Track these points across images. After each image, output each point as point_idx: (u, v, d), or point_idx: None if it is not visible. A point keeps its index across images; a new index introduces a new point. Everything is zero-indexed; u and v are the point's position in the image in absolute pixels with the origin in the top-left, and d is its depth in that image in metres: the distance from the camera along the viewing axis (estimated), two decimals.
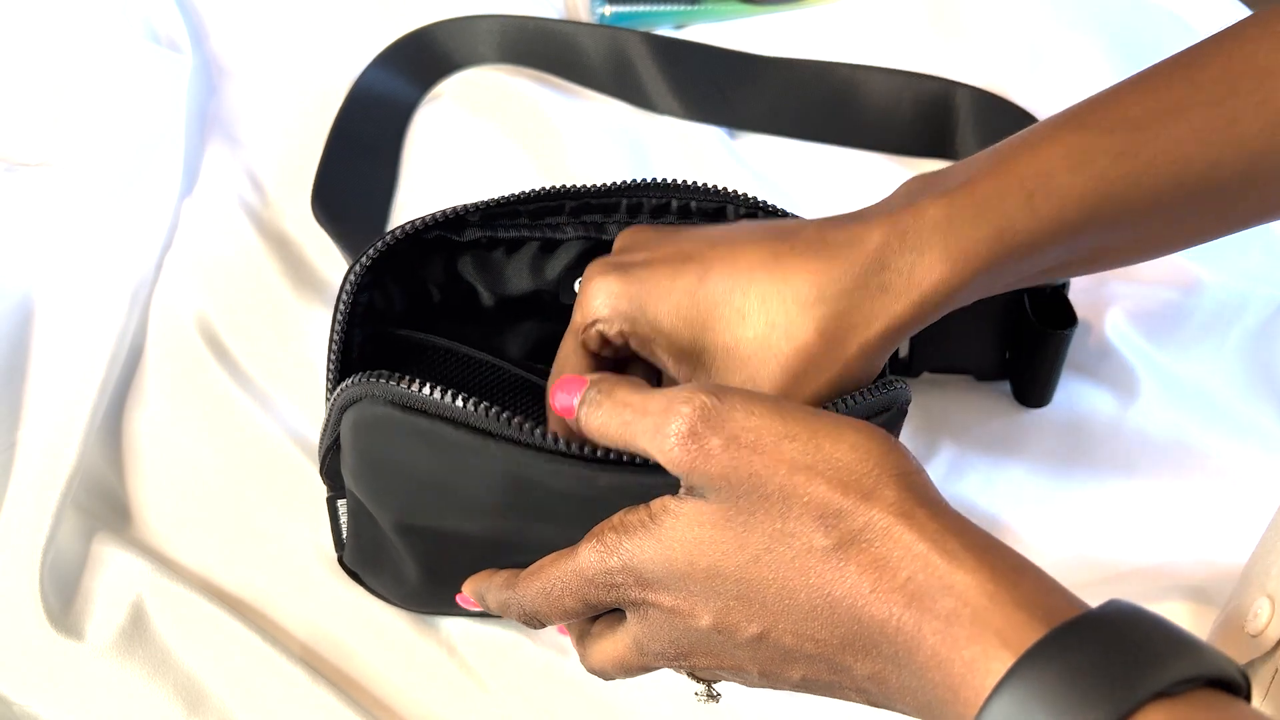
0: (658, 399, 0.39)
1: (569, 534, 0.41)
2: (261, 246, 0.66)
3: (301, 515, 0.58)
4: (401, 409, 0.43)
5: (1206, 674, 0.31)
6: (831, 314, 0.43)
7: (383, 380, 0.44)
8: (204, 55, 0.74)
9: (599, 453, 0.41)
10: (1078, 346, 0.61)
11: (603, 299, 0.45)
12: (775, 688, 0.40)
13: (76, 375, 0.60)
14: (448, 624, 0.56)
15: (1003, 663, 0.32)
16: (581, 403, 0.41)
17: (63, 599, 0.55)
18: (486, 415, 0.42)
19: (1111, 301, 0.63)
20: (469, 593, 0.47)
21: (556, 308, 0.53)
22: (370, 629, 0.56)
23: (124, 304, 0.62)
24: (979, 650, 0.33)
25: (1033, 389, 0.60)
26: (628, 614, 0.41)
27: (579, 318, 0.47)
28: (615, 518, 0.40)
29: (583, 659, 0.45)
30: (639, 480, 0.41)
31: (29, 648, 0.53)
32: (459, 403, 0.42)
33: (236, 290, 0.65)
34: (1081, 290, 0.64)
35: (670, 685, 0.54)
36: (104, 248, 0.64)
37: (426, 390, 0.43)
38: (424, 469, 0.45)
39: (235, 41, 0.74)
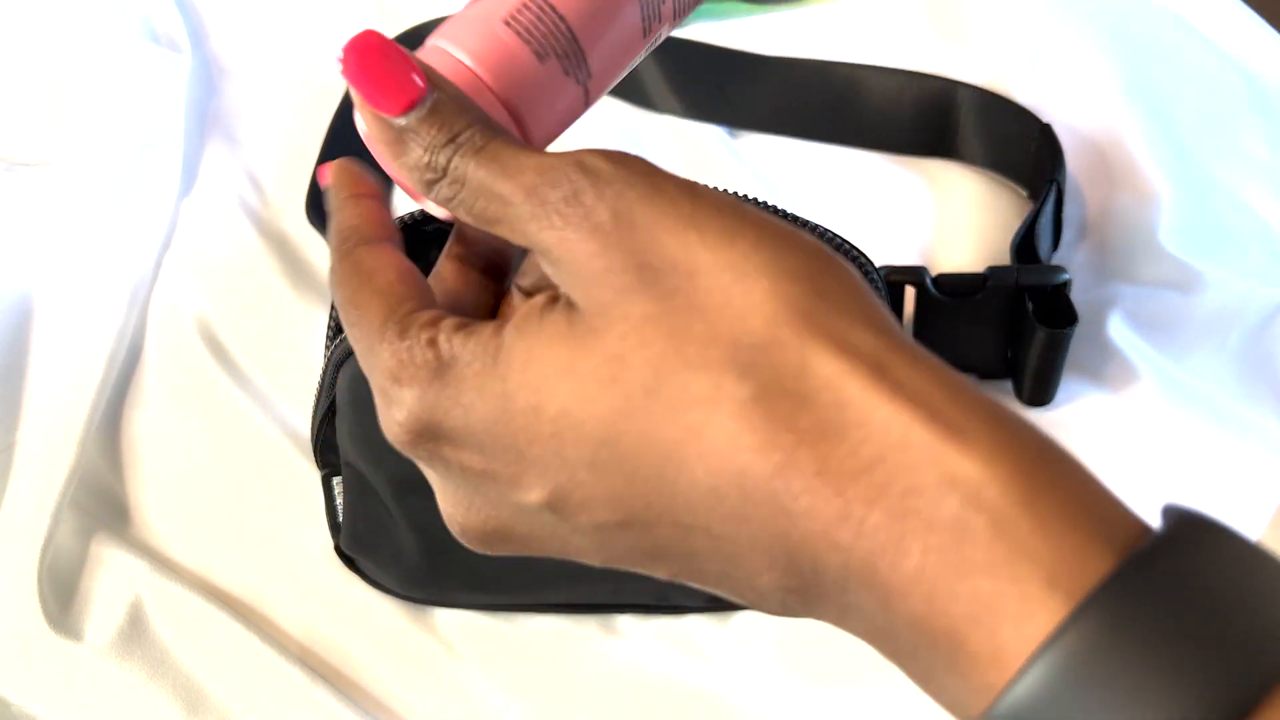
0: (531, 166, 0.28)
1: None
2: (261, 246, 0.66)
3: (301, 515, 0.58)
4: None
5: None
6: None
7: None
8: (203, 55, 0.74)
9: None
10: (1079, 346, 0.61)
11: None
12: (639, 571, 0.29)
13: (75, 375, 0.60)
14: (446, 622, 0.56)
15: (1049, 611, 0.21)
16: (428, 179, 0.29)
17: (61, 599, 0.55)
18: None
19: (1113, 301, 0.63)
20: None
21: None
22: (369, 628, 0.56)
23: (123, 303, 0.62)
24: (1007, 587, 0.21)
25: (1034, 388, 0.60)
26: (425, 464, 0.31)
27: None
28: (441, 344, 0.28)
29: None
30: None
31: (28, 649, 0.53)
32: None
33: (236, 290, 0.65)
34: (1083, 290, 0.64)
35: (673, 687, 0.54)
36: (103, 247, 0.64)
37: None
38: None
39: (235, 41, 0.74)
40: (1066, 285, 0.58)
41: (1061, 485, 0.23)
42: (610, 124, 0.72)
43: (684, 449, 0.25)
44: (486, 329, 0.28)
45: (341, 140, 0.69)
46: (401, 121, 0.28)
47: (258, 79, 0.73)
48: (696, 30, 0.76)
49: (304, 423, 0.61)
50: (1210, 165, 0.69)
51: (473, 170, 0.28)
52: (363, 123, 0.30)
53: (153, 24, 0.72)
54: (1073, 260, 0.66)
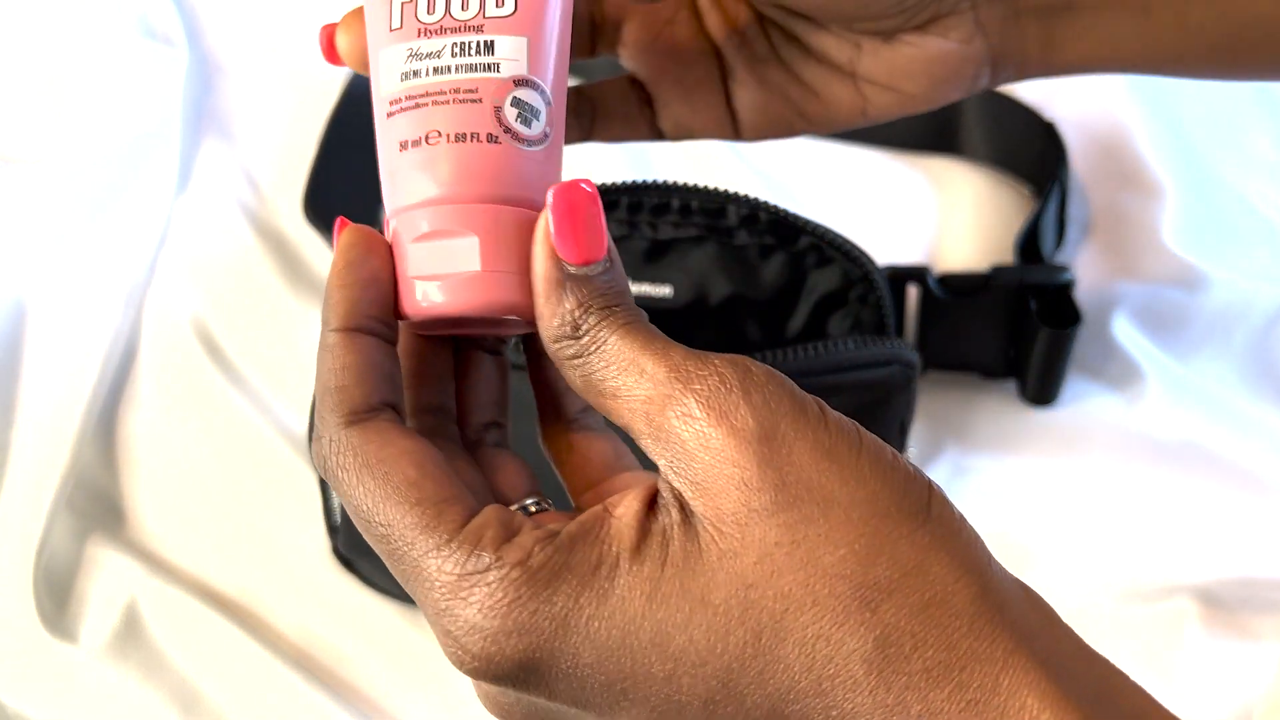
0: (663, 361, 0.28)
1: None
2: (257, 245, 0.66)
3: (296, 516, 0.58)
4: None
5: None
6: None
7: None
8: (199, 51, 0.73)
9: None
10: (1083, 346, 0.61)
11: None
12: None
13: (70, 375, 0.59)
14: None
15: None
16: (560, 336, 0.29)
17: (56, 601, 0.55)
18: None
19: (1117, 301, 0.63)
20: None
21: None
22: (365, 630, 0.55)
23: (118, 303, 0.62)
24: None
25: (1038, 387, 0.60)
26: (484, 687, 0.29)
27: None
28: (534, 551, 0.27)
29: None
30: None
31: (22, 651, 0.53)
32: None
33: (231, 289, 0.64)
34: (1087, 289, 0.63)
35: None
36: (98, 246, 0.63)
37: None
38: None
39: (231, 38, 0.74)
40: (1070, 285, 0.58)
41: None
42: None
43: (802, 689, 0.25)
44: (583, 544, 0.27)
45: (338, 139, 0.69)
46: (574, 270, 0.28)
47: (254, 76, 0.73)
48: None
49: (301, 423, 0.60)
50: (1215, 164, 0.69)
51: (615, 340, 0.28)
52: (540, 253, 0.29)
53: (148, 20, 0.72)
54: (1077, 259, 0.66)
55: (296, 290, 0.64)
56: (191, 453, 0.60)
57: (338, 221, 0.31)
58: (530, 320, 0.30)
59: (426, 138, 0.30)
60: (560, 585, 0.26)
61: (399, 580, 0.28)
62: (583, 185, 0.29)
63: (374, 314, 0.30)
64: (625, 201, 0.51)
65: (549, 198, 0.29)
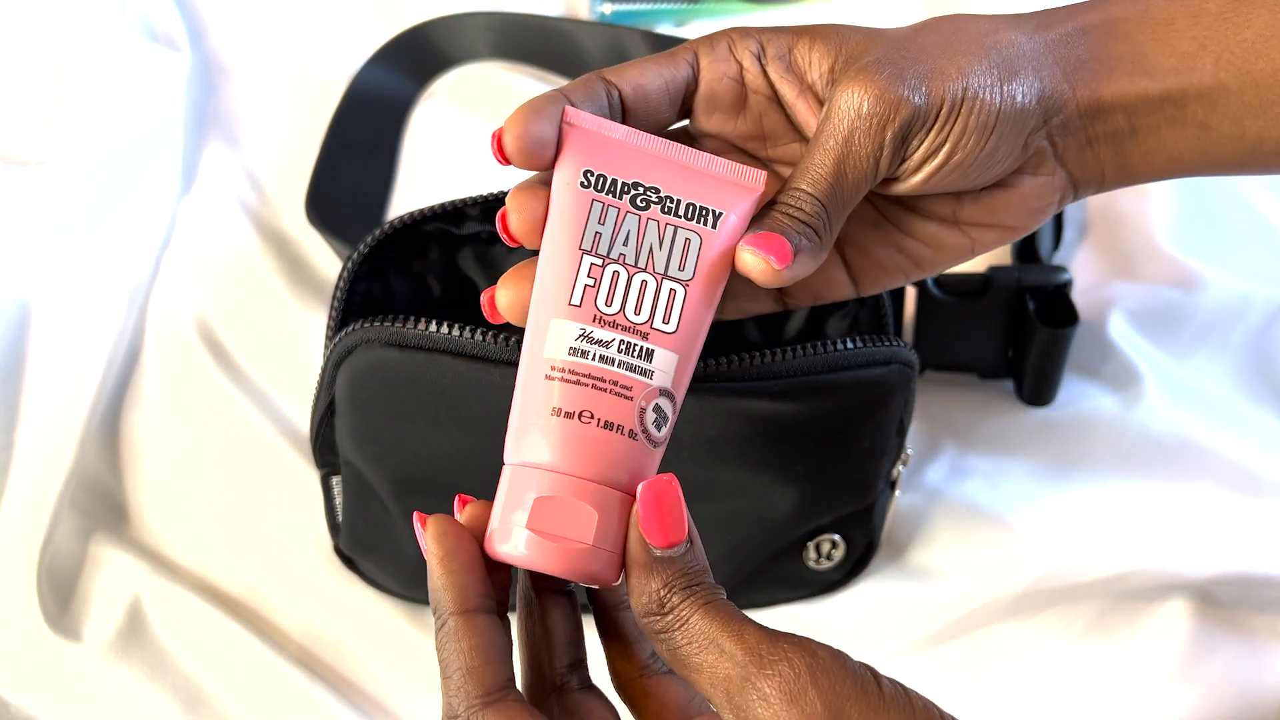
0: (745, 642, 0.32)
1: None
2: (260, 246, 0.66)
3: (299, 515, 0.58)
4: (399, 348, 0.44)
5: None
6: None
7: (379, 323, 0.45)
8: (202, 54, 0.73)
9: None
10: (1080, 346, 0.61)
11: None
12: None
13: (74, 375, 0.60)
14: None
15: None
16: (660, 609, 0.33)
17: (60, 600, 0.55)
18: (484, 340, 0.43)
19: (1114, 301, 0.63)
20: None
21: None
22: (367, 628, 0.56)
23: (122, 304, 0.62)
24: None
25: (1035, 387, 0.60)
26: None
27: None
28: None
29: None
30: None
31: (26, 649, 0.53)
32: (455, 332, 0.43)
33: (234, 290, 0.64)
34: (1084, 290, 0.64)
35: None
36: (102, 247, 0.64)
37: (423, 325, 0.44)
38: (424, 410, 0.45)
39: (234, 40, 0.74)
40: (1068, 285, 0.58)
41: None
42: None
43: None
44: None
45: (340, 139, 0.69)
46: (658, 554, 0.33)
47: (256, 78, 0.73)
48: (697, 28, 0.75)
49: (303, 422, 0.61)
50: None
51: (698, 618, 0.32)
52: (632, 538, 0.34)
53: (151, 23, 0.72)
54: (1074, 260, 0.66)
55: (298, 291, 0.64)
56: (194, 452, 0.60)
57: (416, 516, 0.35)
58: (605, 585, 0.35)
59: (580, 415, 0.35)
60: None
61: None
62: (667, 481, 0.34)
63: (484, 593, 0.34)
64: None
65: (639, 491, 0.33)
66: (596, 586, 0.36)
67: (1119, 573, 0.56)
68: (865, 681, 0.31)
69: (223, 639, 0.54)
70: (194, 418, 0.61)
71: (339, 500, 0.54)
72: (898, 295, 0.58)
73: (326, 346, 0.50)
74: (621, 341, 0.35)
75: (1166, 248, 0.65)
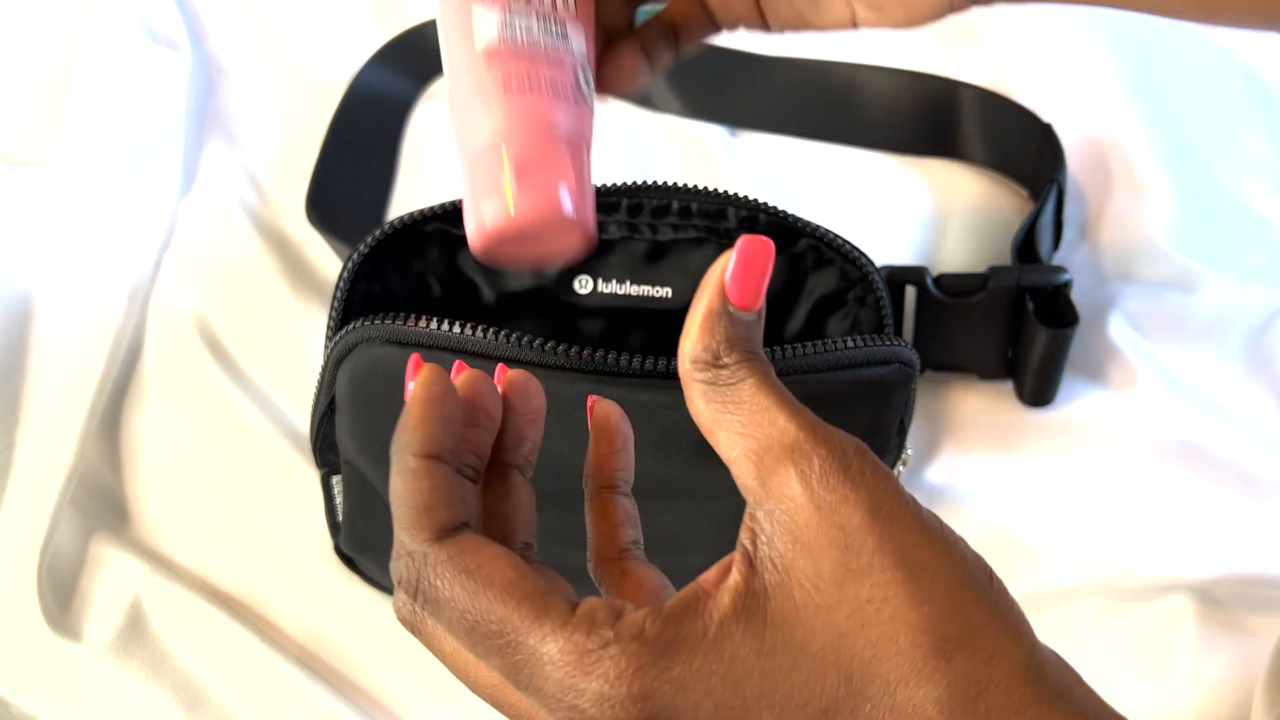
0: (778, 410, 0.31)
1: (574, 465, 0.38)
2: (260, 246, 0.66)
3: (299, 514, 0.58)
4: (400, 345, 0.44)
5: None
6: None
7: (379, 321, 0.45)
8: (202, 54, 0.73)
9: (608, 363, 0.42)
10: (1080, 346, 0.61)
11: None
12: None
13: (74, 375, 0.60)
14: None
15: None
16: (707, 366, 0.32)
17: (61, 600, 0.55)
18: (484, 337, 0.43)
19: (1113, 301, 0.63)
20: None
21: (556, 305, 0.53)
22: (368, 628, 0.56)
23: (122, 303, 0.62)
24: None
25: (1035, 388, 0.60)
26: None
27: None
28: (646, 623, 0.29)
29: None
30: (658, 399, 0.42)
31: (27, 649, 0.53)
32: (455, 329, 0.43)
33: (235, 290, 0.65)
34: (1083, 290, 0.64)
35: None
36: (102, 247, 0.64)
37: (423, 323, 0.44)
38: None
39: (233, 40, 0.74)
40: (1068, 285, 0.58)
41: None
42: (610, 124, 0.71)
43: None
44: (689, 616, 0.29)
45: (340, 140, 0.69)
46: (733, 310, 0.32)
47: (256, 78, 0.73)
48: None
49: (303, 422, 0.61)
50: (1211, 165, 0.69)
51: (752, 382, 0.31)
52: (710, 285, 0.33)
53: (152, 23, 0.72)
54: (1073, 260, 0.66)
55: (299, 290, 0.64)
56: (195, 452, 0.60)
57: (413, 358, 0.34)
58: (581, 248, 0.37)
59: (530, 84, 0.36)
60: (676, 653, 0.29)
61: (512, 670, 0.30)
62: (766, 241, 0.33)
63: (453, 449, 0.32)
64: (625, 204, 0.51)
65: (738, 243, 0.32)
66: (575, 252, 0.37)
67: (1119, 573, 0.56)
68: (906, 493, 0.31)
69: (223, 639, 0.54)
70: (194, 418, 0.61)
71: (339, 500, 0.54)
72: (898, 295, 0.58)
73: (327, 346, 0.50)
74: (538, 20, 0.37)
75: (1166, 248, 0.65)
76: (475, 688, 0.33)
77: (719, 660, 0.29)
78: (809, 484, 0.29)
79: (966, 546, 0.31)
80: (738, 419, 0.31)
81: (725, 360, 0.32)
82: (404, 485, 0.32)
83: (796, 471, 0.30)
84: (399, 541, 0.32)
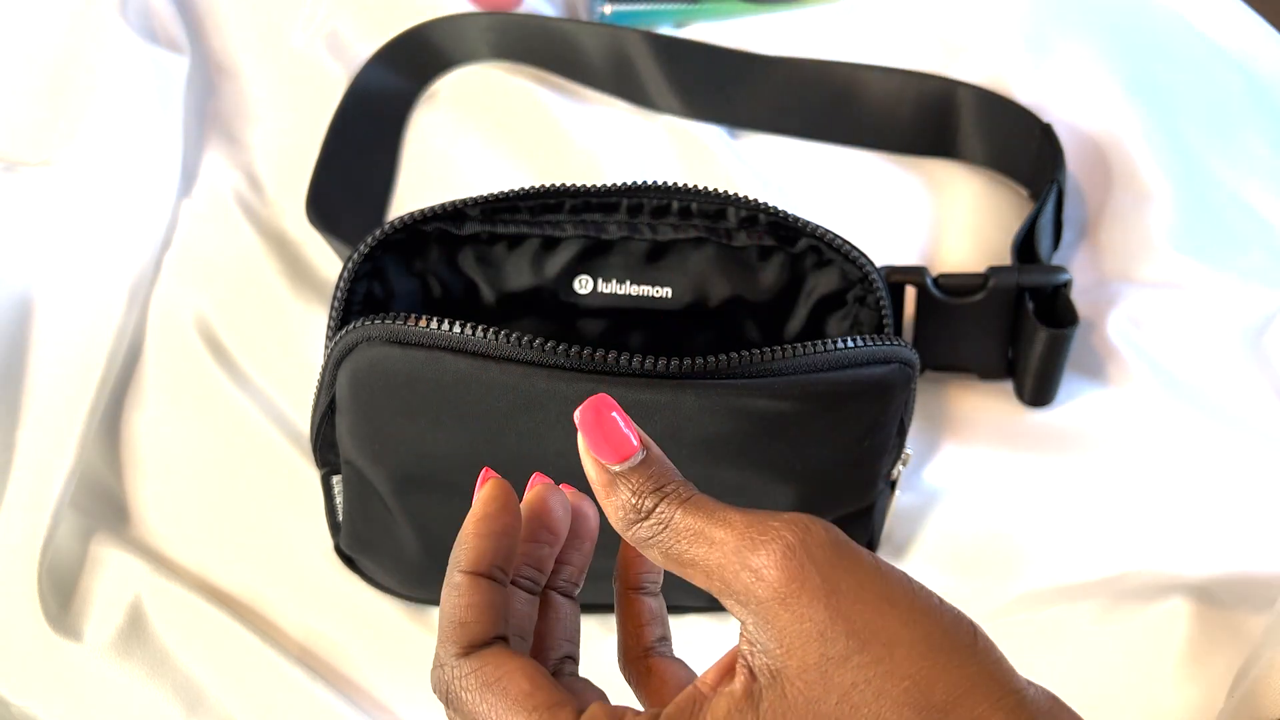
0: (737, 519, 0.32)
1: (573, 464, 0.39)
2: (260, 246, 0.66)
3: (299, 514, 0.58)
4: (400, 345, 0.44)
5: None
6: None
7: (379, 320, 0.45)
8: (202, 54, 0.74)
9: (608, 363, 0.43)
10: (1079, 347, 0.61)
11: None
12: None
13: (75, 375, 0.60)
14: None
15: None
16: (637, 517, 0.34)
17: (61, 600, 0.55)
18: (484, 336, 0.43)
19: (1113, 302, 0.63)
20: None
21: (556, 305, 0.53)
22: (368, 627, 0.56)
23: (122, 303, 0.62)
24: None
25: (1035, 387, 0.60)
26: None
27: None
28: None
29: None
30: (658, 398, 0.43)
31: (27, 649, 0.53)
32: (456, 329, 0.43)
33: (235, 290, 0.65)
34: (1083, 290, 0.64)
35: None
36: (103, 247, 0.64)
37: (424, 323, 0.44)
38: (425, 407, 0.45)
39: (233, 41, 0.74)
40: (1067, 285, 0.58)
41: None
42: (611, 124, 0.72)
43: None
44: (689, 717, 0.31)
45: (341, 139, 0.69)
46: (617, 469, 0.33)
47: (256, 79, 0.73)
48: (696, 30, 0.76)
49: (304, 422, 0.61)
50: (1211, 165, 0.69)
51: (680, 516, 0.32)
52: (587, 463, 0.34)
53: (152, 24, 0.72)
54: (1073, 260, 0.66)
55: (299, 290, 0.64)
56: (195, 452, 0.60)
57: (484, 471, 0.36)
58: None
59: None
60: None
61: None
62: (597, 399, 0.34)
63: (498, 564, 0.34)
64: (625, 204, 0.52)
65: (576, 418, 0.34)
66: None
67: (1119, 573, 0.56)
68: (862, 556, 0.31)
69: (223, 639, 0.54)
70: (195, 418, 0.61)
71: (339, 499, 0.54)
72: (898, 295, 0.58)
73: (327, 345, 0.50)
74: None
75: (1166, 248, 0.65)
76: None
77: None
78: (767, 584, 0.31)
79: (943, 606, 0.31)
80: (688, 555, 0.32)
81: (644, 507, 0.33)
82: (446, 599, 0.34)
83: (752, 577, 0.31)
84: (436, 653, 0.34)
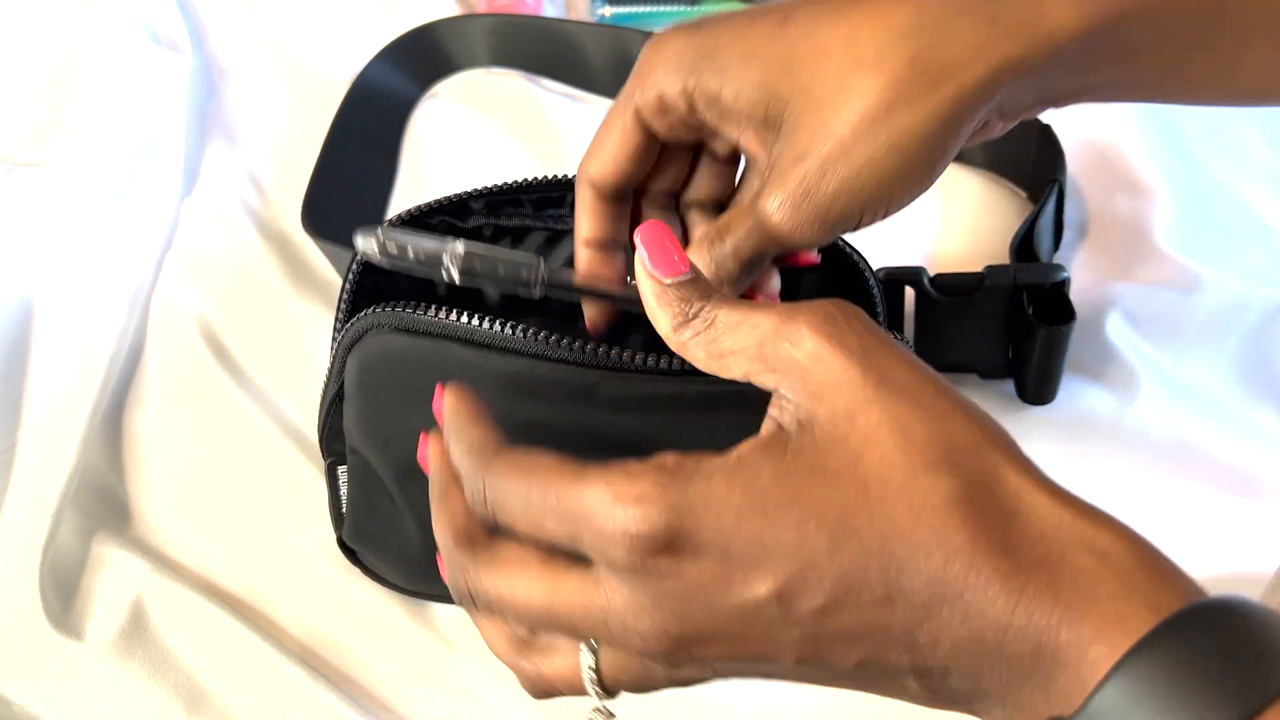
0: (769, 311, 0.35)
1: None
2: (261, 246, 0.66)
3: (301, 514, 0.58)
4: (408, 334, 0.45)
5: None
6: (928, 44, 0.38)
7: (389, 308, 0.46)
8: (204, 55, 0.74)
9: (611, 358, 0.43)
10: (1079, 347, 0.61)
11: (665, 50, 0.41)
12: (802, 681, 0.34)
13: (76, 375, 0.60)
14: (446, 619, 0.56)
15: (1145, 623, 0.29)
16: (684, 320, 0.36)
17: (63, 599, 0.55)
18: (490, 328, 0.44)
19: (1112, 302, 0.63)
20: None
21: (559, 302, 0.53)
22: (369, 626, 0.56)
23: (124, 304, 0.62)
24: (1122, 609, 0.30)
25: (1035, 386, 0.60)
26: (615, 579, 0.33)
27: (633, 81, 0.42)
28: (668, 458, 0.33)
29: (518, 666, 0.40)
30: (655, 389, 0.43)
31: (29, 648, 0.53)
32: (464, 319, 0.44)
33: (236, 290, 0.65)
34: (1082, 290, 0.64)
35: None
36: (104, 247, 0.64)
37: (432, 311, 0.44)
38: (431, 396, 0.46)
39: (234, 42, 0.74)
40: (1065, 283, 0.58)
41: (1162, 559, 0.33)
42: None
43: (905, 534, 0.31)
44: (715, 457, 0.33)
45: (343, 142, 0.69)
46: (669, 281, 0.36)
47: (258, 80, 0.73)
48: None
49: (305, 421, 0.61)
50: (1210, 165, 0.69)
51: (724, 311, 0.35)
52: (642, 279, 0.37)
53: (153, 24, 0.72)
54: (1072, 260, 0.66)
55: (300, 290, 0.65)
56: (196, 451, 0.60)
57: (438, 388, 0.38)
58: None
59: None
60: (696, 476, 0.32)
61: (559, 524, 0.33)
62: (655, 224, 0.37)
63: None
64: None
65: (636, 237, 0.37)
66: None
67: None
68: (878, 328, 0.34)
69: (225, 638, 0.54)
70: (196, 417, 0.61)
71: (344, 490, 0.54)
72: (895, 296, 0.58)
73: (335, 332, 0.50)
74: None
75: (1165, 248, 0.65)
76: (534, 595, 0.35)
77: (738, 480, 0.32)
78: (804, 348, 0.33)
79: (948, 385, 0.33)
80: (729, 344, 0.35)
81: (690, 312, 0.36)
82: (460, 429, 0.37)
83: (791, 345, 0.33)
84: (465, 482, 0.36)
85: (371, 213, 0.69)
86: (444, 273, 0.41)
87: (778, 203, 0.40)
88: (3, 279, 0.62)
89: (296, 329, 0.63)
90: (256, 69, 0.73)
